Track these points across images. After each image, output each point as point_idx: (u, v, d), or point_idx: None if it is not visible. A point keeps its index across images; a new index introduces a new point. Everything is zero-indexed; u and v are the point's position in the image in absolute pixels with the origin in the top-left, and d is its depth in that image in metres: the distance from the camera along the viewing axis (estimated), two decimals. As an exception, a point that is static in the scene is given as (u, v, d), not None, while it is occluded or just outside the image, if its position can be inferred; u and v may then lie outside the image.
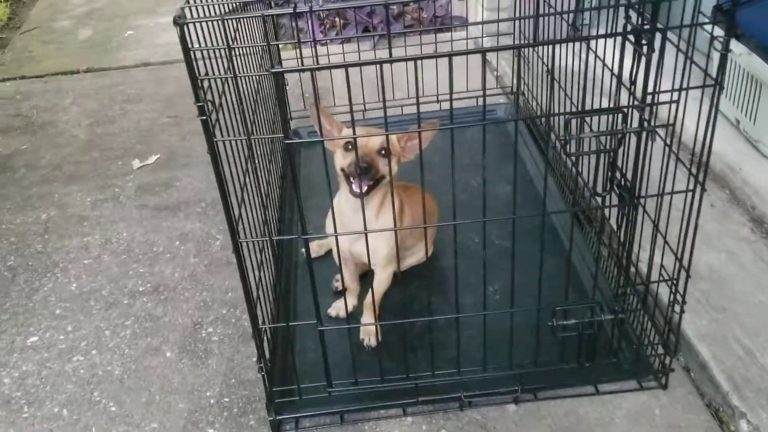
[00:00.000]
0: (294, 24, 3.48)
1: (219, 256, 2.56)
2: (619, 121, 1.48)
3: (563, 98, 2.38)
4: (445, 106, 3.21)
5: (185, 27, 1.33)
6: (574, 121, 1.44)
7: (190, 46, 1.38)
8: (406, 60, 1.40)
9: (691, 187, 1.62)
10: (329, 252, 2.41)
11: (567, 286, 1.73)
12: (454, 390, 1.88)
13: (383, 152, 1.88)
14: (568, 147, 1.45)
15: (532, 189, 2.70)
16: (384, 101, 1.48)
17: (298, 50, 3.24)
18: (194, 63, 1.41)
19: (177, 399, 2.06)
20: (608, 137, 1.50)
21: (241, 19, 2.12)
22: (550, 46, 1.47)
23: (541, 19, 2.54)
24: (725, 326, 2.07)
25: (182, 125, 3.52)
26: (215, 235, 2.68)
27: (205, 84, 1.48)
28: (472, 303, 2.19)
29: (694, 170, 1.63)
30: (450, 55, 1.40)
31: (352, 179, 1.85)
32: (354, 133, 1.69)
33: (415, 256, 2.35)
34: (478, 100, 3.26)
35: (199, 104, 1.40)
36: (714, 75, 1.47)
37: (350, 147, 1.87)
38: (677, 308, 1.79)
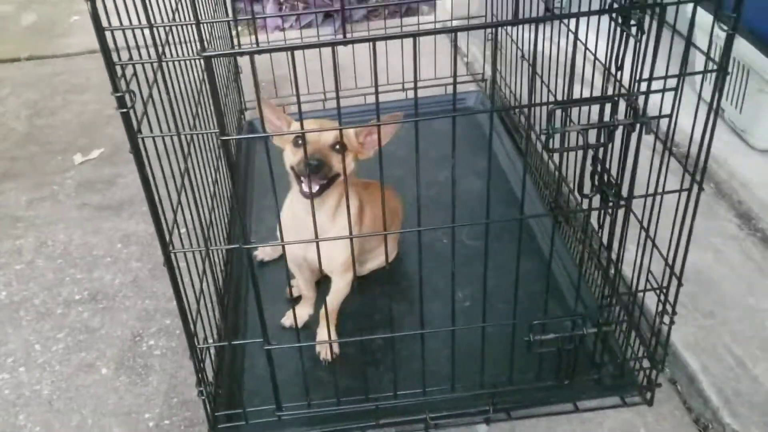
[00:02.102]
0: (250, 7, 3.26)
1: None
2: (608, 112, 1.29)
3: (540, 87, 2.19)
4: (412, 94, 3.01)
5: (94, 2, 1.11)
6: (558, 113, 1.25)
7: (105, 25, 1.17)
8: (357, 42, 1.19)
9: (686, 186, 1.44)
10: (284, 255, 2.21)
11: (546, 299, 1.54)
12: (419, 411, 1.69)
13: (338, 147, 1.68)
14: (550, 142, 1.26)
15: (505, 184, 2.51)
16: (338, 89, 1.27)
17: (252, 35, 3.01)
18: (113, 46, 1.20)
19: (112, 422, 1.84)
20: (595, 131, 1.31)
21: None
22: (528, 29, 1.27)
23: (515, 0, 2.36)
24: (714, 334, 1.91)
25: (130, 117, 3.26)
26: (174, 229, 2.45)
27: (129, 71, 1.27)
28: (440, 311, 2.01)
29: (690, 168, 1.45)
30: (415, 35, 1.18)
31: (302, 178, 1.64)
32: (302, 126, 1.48)
33: (378, 260, 2.15)
34: (447, 88, 3.07)
35: (118, 95, 1.18)
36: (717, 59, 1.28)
37: (300, 142, 1.66)
38: (666, 319, 1.61)
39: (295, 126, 1.70)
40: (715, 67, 1.24)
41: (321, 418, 1.68)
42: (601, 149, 1.31)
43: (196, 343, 1.52)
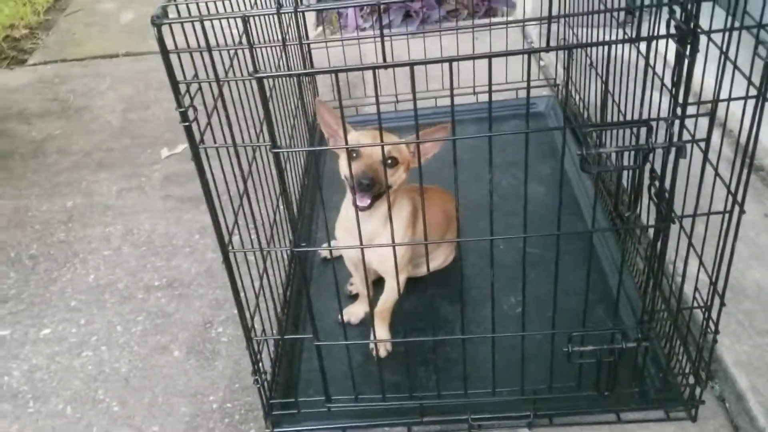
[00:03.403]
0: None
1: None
2: (652, 134, 1.31)
3: (611, 103, 2.20)
4: (483, 98, 3.05)
5: (161, 28, 1.24)
6: (595, 134, 1.29)
7: (171, 47, 1.30)
8: (397, 66, 1.26)
9: (729, 206, 1.44)
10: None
11: (585, 310, 1.57)
12: (462, 411, 1.76)
13: (390, 162, 1.76)
14: (585, 164, 1.30)
15: (568, 190, 2.52)
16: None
17: (334, 34, 3.12)
18: (179, 65, 1.33)
19: (180, 402, 2.00)
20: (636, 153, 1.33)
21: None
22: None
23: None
24: (768, 353, 1.88)
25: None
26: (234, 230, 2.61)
27: (194, 87, 1.40)
28: (490, 316, 2.06)
29: (733, 187, 1.45)
30: (489, 57, 1.22)
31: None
32: (358, 139, 1.56)
33: (434, 262, 2.22)
34: (518, 92, 3.09)
35: (181, 110, 1.31)
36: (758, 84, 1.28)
37: (354, 155, 1.75)
38: (710, 337, 1.61)
39: (353, 135, 1.79)
40: (754, 92, 1.25)
41: (368, 411, 1.78)
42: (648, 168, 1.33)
43: (253, 335, 1.64)
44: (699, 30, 1.25)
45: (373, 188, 1.71)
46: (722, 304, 1.55)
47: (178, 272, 2.48)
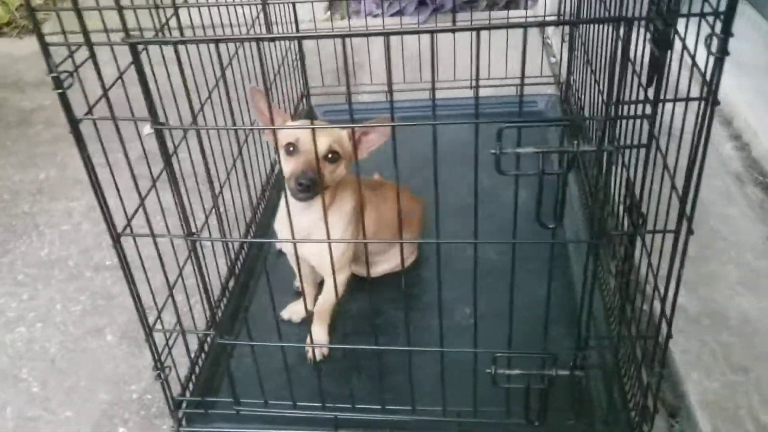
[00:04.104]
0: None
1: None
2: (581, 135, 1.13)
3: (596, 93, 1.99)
4: (482, 93, 2.86)
5: None
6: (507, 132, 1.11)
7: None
8: (381, 34, 1.09)
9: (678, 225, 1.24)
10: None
11: (510, 328, 1.40)
12: (381, 427, 1.60)
13: (331, 157, 1.61)
14: (514, 163, 1.13)
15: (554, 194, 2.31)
16: (349, 87, 1.19)
17: (344, 19, 2.99)
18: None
19: (101, 388, 1.90)
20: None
21: None
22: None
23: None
24: (740, 394, 1.66)
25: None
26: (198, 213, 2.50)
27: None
28: (443, 326, 1.89)
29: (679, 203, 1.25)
30: (477, 29, 1.05)
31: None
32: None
33: (390, 263, 2.06)
34: (519, 89, 2.89)
35: (53, 75, 1.19)
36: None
37: (291, 150, 1.60)
38: (657, 371, 1.41)
39: (291, 125, 1.64)
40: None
41: (279, 418, 1.63)
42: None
43: (148, 327, 1.52)
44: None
45: (314, 189, 1.57)
46: (668, 335, 1.34)
47: (132, 253, 2.37)
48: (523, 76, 1.11)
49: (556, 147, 1.13)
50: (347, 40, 1.11)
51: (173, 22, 1.70)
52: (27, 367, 1.97)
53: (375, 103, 2.97)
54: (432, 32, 1.08)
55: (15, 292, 2.24)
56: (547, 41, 3.51)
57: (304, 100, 2.93)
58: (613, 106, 1.11)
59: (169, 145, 1.35)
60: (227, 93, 1.39)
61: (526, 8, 3.30)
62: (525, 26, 1.02)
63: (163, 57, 1.46)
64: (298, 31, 2.74)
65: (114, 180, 1.41)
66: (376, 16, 3.88)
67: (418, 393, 1.64)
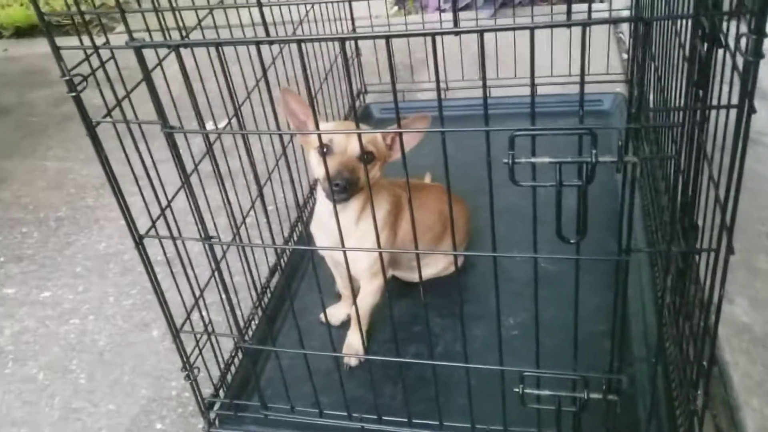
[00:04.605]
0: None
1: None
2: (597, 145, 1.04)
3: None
4: (541, 90, 2.75)
5: None
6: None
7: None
8: (422, 34, 1.03)
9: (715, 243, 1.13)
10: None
11: (537, 345, 1.31)
12: (407, 441, 1.55)
13: (365, 157, 1.56)
14: (513, 173, 1.05)
15: (611, 203, 2.18)
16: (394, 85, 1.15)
17: (408, 15, 2.94)
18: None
19: (143, 383, 1.93)
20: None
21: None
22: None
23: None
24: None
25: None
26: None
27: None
28: (481, 335, 1.83)
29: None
30: (531, 28, 0.95)
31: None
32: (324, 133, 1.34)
33: (434, 268, 2.00)
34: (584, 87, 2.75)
35: (66, 78, 1.20)
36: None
37: (325, 150, 1.56)
38: (699, 401, 1.30)
39: (324, 126, 1.60)
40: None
41: (305, 425, 1.60)
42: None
43: (175, 328, 1.53)
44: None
45: (347, 191, 1.53)
46: (711, 363, 1.23)
47: (185, 251, 2.41)
48: (582, 76, 1.00)
49: (569, 159, 1.04)
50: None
51: (209, 22, 1.70)
52: (77, 359, 2.03)
53: (432, 101, 2.90)
54: (478, 32, 1.01)
55: (72, 284, 2.32)
56: (620, 36, 3.34)
57: (361, 97, 2.90)
58: (635, 113, 1.01)
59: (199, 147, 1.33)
60: (269, 93, 1.36)
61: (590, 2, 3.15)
62: (531, 27, 0.94)
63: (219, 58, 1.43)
64: (354, 29, 2.71)
65: (149, 180, 1.40)
66: (444, 10, 3.80)
67: (450, 407, 1.59)
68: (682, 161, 1.41)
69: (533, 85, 1.00)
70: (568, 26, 0.95)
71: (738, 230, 1.07)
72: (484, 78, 1.02)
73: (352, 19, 2.71)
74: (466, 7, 3.72)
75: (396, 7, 3.94)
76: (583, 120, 1.04)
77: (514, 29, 0.96)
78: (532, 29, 0.93)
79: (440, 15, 3.10)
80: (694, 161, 1.27)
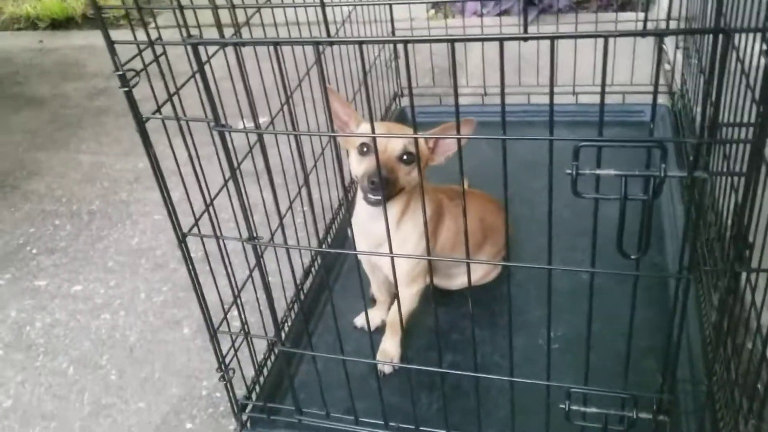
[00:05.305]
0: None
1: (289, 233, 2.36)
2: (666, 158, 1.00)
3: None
4: (582, 99, 2.70)
5: None
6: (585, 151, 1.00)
7: None
8: (441, 41, 1.00)
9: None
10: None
11: (587, 362, 1.27)
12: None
13: (405, 158, 1.53)
14: (576, 185, 1.02)
15: (655, 217, 2.14)
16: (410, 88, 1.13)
17: (446, 19, 2.91)
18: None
19: (173, 381, 1.91)
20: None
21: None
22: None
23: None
24: None
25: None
26: (283, 211, 2.50)
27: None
28: (522, 346, 1.79)
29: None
30: (554, 38, 0.94)
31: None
32: (373, 132, 1.30)
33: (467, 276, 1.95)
34: (626, 97, 2.71)
35: (119, 73, 1.18)
36: None
37: (365, 150, 1.54)
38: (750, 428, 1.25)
39: (365, 127, 1.57)
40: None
41: (340, 431, 1.58)
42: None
43: (213, 329, 1.51)
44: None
45: (386, 189, 1.50)
46: (756, 387, 1.18)
47: (215, 246, 2.39)
48: (603, 89, 0.97)
49: (637, 172, 1.00)
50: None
51: (258, 20, 1.68)
52: (107, 354, 2.02)
53: (470, 106, 2.87)
54: (500, 39, 0.98)
55: (104, 279, 2.31)
56: (663, 46, 3.28)
57: (398, 100, 2.87)
58: (708, 128, 0.97)
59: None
60: (307, 94, 1.34)
61: (644, 10, 3.09)
62: (605, 35, 0.90)
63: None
64: (393, 31, 2.69)
65: (196, 177, 1.38)
66: (480, 15, 3.76)
67: (490, 420, 1.55)
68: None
69: (603, 94, 0.97)
70: (642, 35, 0.91)
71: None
72: (551, 86, 0.98)
73: (392, 21, 2.69)
74: (505, 12, 3.68)
75: (433, 11, 3.90)
76: (653, 133, 1.00)
77: (577, 37, 0.92)
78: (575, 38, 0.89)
79: (482, 20, 3.06)
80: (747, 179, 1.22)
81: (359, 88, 2.41)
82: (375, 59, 2.54)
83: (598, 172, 1.00)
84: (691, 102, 2.40)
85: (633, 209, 1.00)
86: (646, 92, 2.65)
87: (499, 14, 3.69)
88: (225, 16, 1.41)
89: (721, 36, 0.88)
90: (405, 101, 2.91)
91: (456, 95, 1.06)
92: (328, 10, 2.11)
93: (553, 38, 0.95)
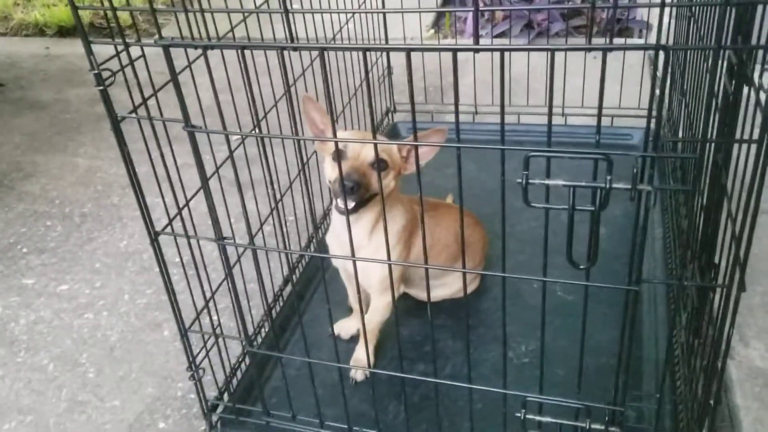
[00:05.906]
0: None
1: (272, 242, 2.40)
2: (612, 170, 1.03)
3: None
4: (571, 121, 2.75)
5: None
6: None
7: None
8: (401, 49, 1.06)
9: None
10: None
11: (542, 371, 1.30)
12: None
13: (378, 164, 1.57)
14: (527, 194, 1.05)
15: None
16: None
17: (446, 38, 2.96)
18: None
19: (149, 381, 1.94)
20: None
21: None
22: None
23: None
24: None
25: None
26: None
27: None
28: (493, 360, 1.82)
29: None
30: (551, 50, 0.98)
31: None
32: (337, 138, 1.35)
33: (448, 289, 1.99)
34: (613, 120, 2.75)
35: (94, 72, 1.23)
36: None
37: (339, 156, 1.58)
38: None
39: (340, 135, 1.61)
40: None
41: (309, 435, 1.60)
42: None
43: (184, 327, 1.54)
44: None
45: (357, 193, 1.53)
46: (716, 402, 1.20)
47: (203, 252, 2.43)
48: (600, 107, 1.01)
49: (582, 183, 1.03)
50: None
51: (243, 34, 1.73)
52: (87, 353, 2.05)
53: (461, 123, 2.91)
54: (453, 50, 1.02)
55: (90, 279, 2.35)
56: (657, 74, 3.32)
57: (390, 115, 2.92)
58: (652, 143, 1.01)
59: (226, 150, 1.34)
60: (290, 103, 1.37)
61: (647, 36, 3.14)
62: (552, 49, 0.94)
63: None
64: (387, 44, 2.74)
65: (169, 180, 1.42)
66: (480, 36, 3.82)
67: (455, 428, 1.57)
68: (704, 197, 1.40)
69: (550, 108, 1.00)
70: (589, 50, 0.95)
71: (762, 272, 1.05)
72: (501, 98, 1.02)
73: (386, 39, 2.74)
74: (502, 35, 3.74)
75: (432, 30, 3.97)
76: (599, 145, 1.03)
77: (528, 50, 0.95)
78: (552, 51, 0.93)
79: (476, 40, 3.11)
80: (715, 197, 1.26)
81: (347, 103, 2.47)
82: (367, 74, 2.59)
83: (547, 182, 1.03)
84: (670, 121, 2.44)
85: (611, 222, 1.04)
86: (631, 116, 2.69)
87: (496, 36, 3.75)
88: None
89: (662, 52, 0.92)
90: (397, 116, 2.95)
91: (456, 96, 1.09)
92: (327, 27, 2.17)
93: (503, 50, 0.99)
